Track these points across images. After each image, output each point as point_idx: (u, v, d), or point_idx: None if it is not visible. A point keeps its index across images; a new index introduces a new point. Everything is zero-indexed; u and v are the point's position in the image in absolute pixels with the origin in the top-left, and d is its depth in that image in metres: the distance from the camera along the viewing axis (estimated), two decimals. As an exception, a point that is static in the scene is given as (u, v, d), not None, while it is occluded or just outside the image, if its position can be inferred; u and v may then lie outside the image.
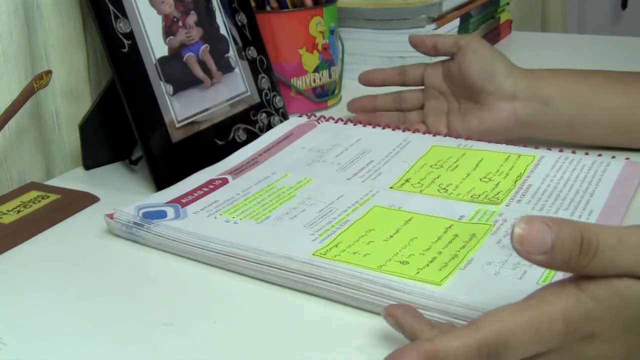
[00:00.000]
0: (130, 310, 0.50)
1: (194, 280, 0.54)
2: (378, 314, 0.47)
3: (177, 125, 0.69)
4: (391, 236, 0.54)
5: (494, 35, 1.14)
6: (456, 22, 1.01)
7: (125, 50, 0.66)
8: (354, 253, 0.52)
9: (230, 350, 0.46)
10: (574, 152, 0.67)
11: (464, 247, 0.52)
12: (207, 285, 0.53)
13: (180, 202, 0.61)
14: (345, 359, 0.45)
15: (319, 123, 0.78)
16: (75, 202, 0.65)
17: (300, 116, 0.80)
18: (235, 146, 0.72)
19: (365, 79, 0.80)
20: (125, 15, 0.67)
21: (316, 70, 0.85)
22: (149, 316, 0.49)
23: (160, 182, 0.66)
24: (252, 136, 0.75)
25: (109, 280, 0.54)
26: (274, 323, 0.48)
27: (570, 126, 0.69)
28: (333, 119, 0.78)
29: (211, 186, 0.64)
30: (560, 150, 0.67)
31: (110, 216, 0.60)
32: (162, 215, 0.59)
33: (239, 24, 0.79)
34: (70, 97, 0.76)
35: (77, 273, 0.56)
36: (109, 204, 0.63)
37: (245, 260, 0.53)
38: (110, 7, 0.66)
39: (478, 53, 0.72)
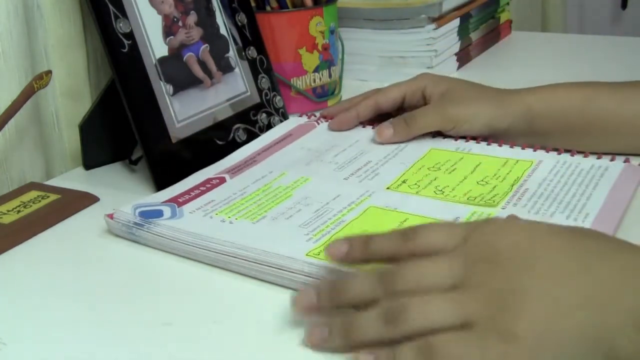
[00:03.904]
0: (130, 310, 0.50)
1: (194, 280, 0.54)
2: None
3: (177, 125, 0.69)
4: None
5: (494, 35, 1.14)
6: (456, 22, 1.01)
7: (125, 50, 0.67)
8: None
9: (230, 350, 0.46)
10: (572, 155, 0.66)
11: (461, 249, 0.52)
12: (207, 285, 0.53)
13: (177, 201, 0.61)
14: (344, 358, 0.45)
15: (318, 123, 0.78)
16: (75, 202, 0.65)
17: (300, 116, 0.80)
18: (235, 146, 0.73)
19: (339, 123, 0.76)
20: (125, 15, 0.67)
21: (316, 70, 0.85)
22: (149, 316, 0.50)
23: (160, 182, 0.66)
24: (252, 136, 0.75)
25: (109, 280, 0.54)
26: (273, 323, 0.48)
27: (566, 144, 0.68)
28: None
29: (208, 185, 0.64)
30: (559, 153, 0.67)
31: (110, 216, 0.60)
32: (158, 214, 0.59)
33: (239, 24, 0.79)
34: (70, 97, 0.76)
35: (77, 273, 0.56)
36: (109, 204, 0.63)
37: (245, 260, 0.53)
38: (110, 7, 0.66)
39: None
